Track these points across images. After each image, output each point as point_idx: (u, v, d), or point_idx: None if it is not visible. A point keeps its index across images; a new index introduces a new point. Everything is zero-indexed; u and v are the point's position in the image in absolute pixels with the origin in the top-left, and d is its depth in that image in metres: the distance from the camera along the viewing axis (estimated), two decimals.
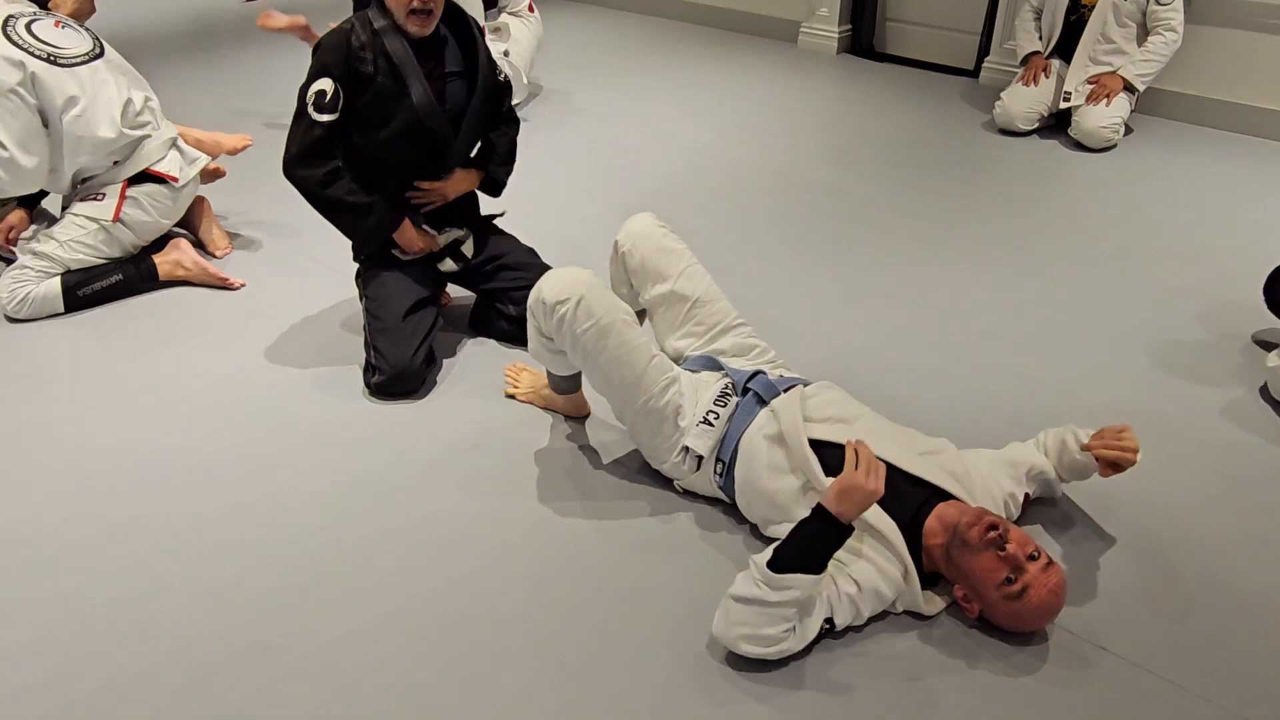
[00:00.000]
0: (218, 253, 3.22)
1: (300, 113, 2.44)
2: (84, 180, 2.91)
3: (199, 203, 3.24)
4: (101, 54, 2.90)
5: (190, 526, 2.09)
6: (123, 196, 2.90)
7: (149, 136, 2.94)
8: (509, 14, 4.54)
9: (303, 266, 3.16)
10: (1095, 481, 2.20)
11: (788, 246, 3.34)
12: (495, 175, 2.72)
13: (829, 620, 1.78)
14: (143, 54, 5.35)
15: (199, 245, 3.23)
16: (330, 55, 2.40)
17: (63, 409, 2.47)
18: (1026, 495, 2.06)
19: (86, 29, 2.95)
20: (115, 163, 2.90)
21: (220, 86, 4.84)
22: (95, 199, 2.90)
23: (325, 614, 1.88)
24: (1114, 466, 1.95)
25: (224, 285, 3.04)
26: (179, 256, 3.03)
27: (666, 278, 2.27)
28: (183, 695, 1.72)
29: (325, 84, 2.40)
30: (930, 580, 1.90)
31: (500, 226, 2.83)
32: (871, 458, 1.72)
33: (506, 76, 2.72)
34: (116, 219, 2.90)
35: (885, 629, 1.86)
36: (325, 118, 2.42)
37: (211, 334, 2.80)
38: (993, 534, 1.76)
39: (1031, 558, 1.76)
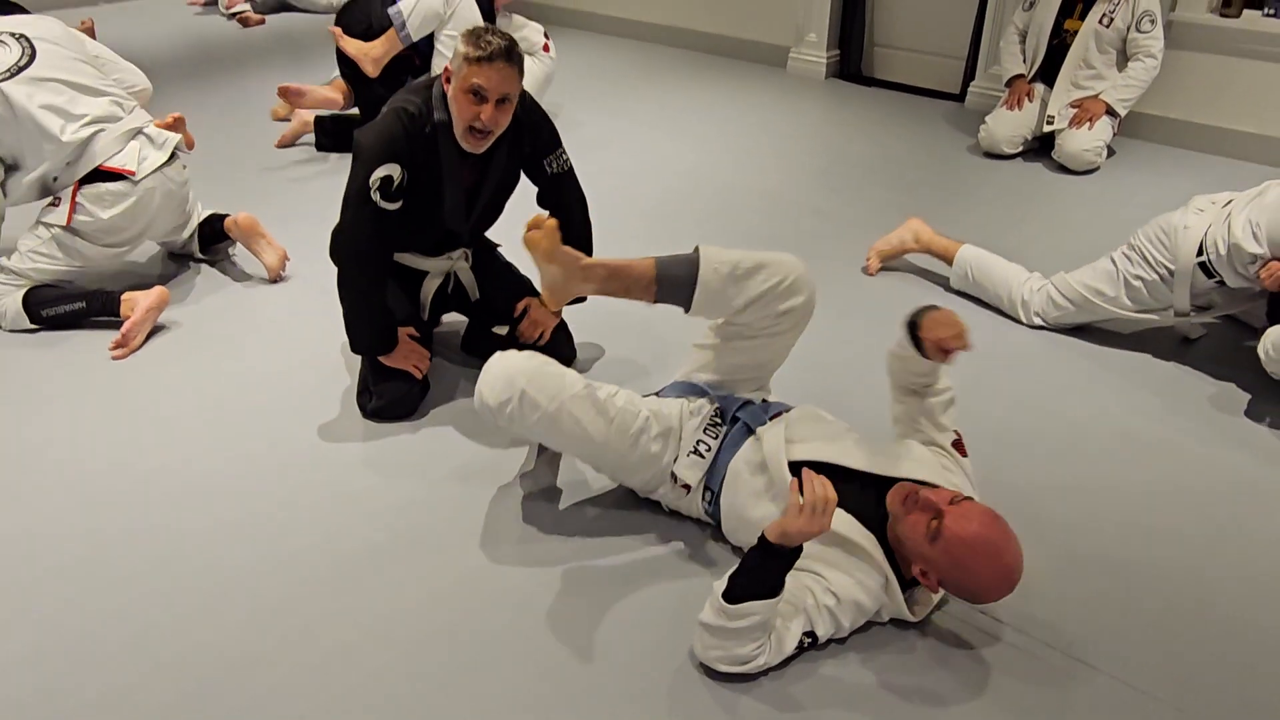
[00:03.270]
0: (268, 274, 3.21)
1: (362, 196, 2.26)
2: (54, 180, 2.87)
3: (249, 223, 3.18)
4: (32, 59, 2.83)
5: (183, 542, 2.12)
6: (73, 200, 2.84)
7: (102, 131, 2.85)
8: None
9: (299, 288, 3.19)
10: (1072, 501, 2.24)
11: None
12: (581, 243, 2.60)
13: (810, 634, 1.81)
14: None
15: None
16: (394, 139, 2.27)
17: (59, 426, 2.50)
18: (956, 436, 2.08)
19: (19, 36, 2.88)
20: (68, 164, 2.83)
21: (216, 109, 4.88)
22: (54, 205, 2.88)
23: (316, 628, 1.91)
24: (945, 352, 1.94)
25: (122, 342, 2.82)
26: (143, 300, 2.88)
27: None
28: (175, 708, 1.74)
29: (393, 170, 2.25)
30: (913, 584, 1.93)
31: (508, 262, 2.83)
32: (823, 495, 1.70)
33: (566, 163, 2.56)
34: (69, 224, 2.84)
35: (870, 641, 1.90)
36: (391, 206, 2.28)
37: (209, 353, 2.83)
38: (911, 495, 1.81)
39: (952, 502, 1.80)
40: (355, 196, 2.29)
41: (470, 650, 1.87)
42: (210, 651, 1.85)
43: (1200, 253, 2.66)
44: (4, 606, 1.95)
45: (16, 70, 2.80)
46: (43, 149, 2.79)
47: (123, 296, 2.91)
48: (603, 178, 4.12)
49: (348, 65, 4.22)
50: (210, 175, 4.05)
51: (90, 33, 4.59)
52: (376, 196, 2.26)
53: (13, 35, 2.89)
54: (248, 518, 2.19)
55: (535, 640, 1.89)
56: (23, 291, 2.89)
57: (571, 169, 2.60)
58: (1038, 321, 3.02)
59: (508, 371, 1.97)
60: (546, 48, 4.60)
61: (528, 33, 4.56)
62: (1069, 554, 2.13)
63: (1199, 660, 1.88)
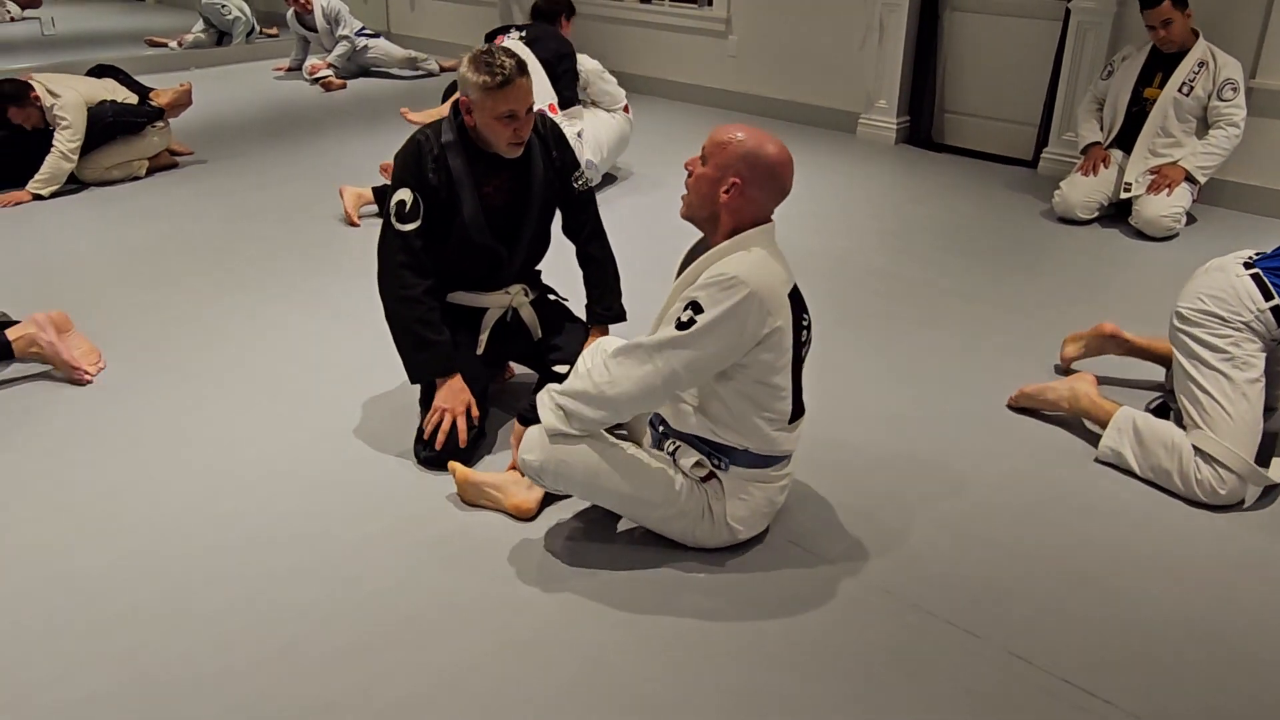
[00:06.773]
0: (90, 370, 2.94)
1: (385, 223, 2.51)
2: None
3: (62, 320, 2.99)
4: None
5: (256, 587, 2.13)
6: None
7: None
8: (604, 110, 4.69)
9: (369, 339, 3.23)
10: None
11: (844, 328, 3.36)
12: (610, 314, 2.77)
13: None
14: (224, 140, 5.61)
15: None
16: (405, 166, 2.50)
17: (140, 470, 2.55)
18: None
19: None
20: None
21: (296, 166, 5.05)
22: None
23: (386, 676, 1.90)
24: None
25: (75, 377, 2.89)
26: (34, 333, 2.89)
27: None
28: None
29: (404, 194, 2.48)
30: None
31: (568, 308, 2.88)
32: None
33: (588, 183, 2.77)
34: None
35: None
36: (407, 227, 2.49)
37: (284, 400, 2.87)
38: None
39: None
40: (384, 225, 2.53)
41: (536, 705, 1.84)
42: (283, 694, 1.85)
43: (1269, 297, 2.43)
44: (80, 645, 1.97)
45: None
46: None
47: (6, 333, 2.90)
48: (673, 238, 4.15)
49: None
50: (286, 225, 4.17)
51: (188, 95, 4.81)
52: (394, 220, 2.49)
53: None
54: (318, 563, 2.20)
55: (605, 696, 1.86)
56: None
57: (593, 194, 2.79)
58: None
59: (544, 436, 2.11)
60: (626, 109, 4.72)
61: (610, 89, 4.67)
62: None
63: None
